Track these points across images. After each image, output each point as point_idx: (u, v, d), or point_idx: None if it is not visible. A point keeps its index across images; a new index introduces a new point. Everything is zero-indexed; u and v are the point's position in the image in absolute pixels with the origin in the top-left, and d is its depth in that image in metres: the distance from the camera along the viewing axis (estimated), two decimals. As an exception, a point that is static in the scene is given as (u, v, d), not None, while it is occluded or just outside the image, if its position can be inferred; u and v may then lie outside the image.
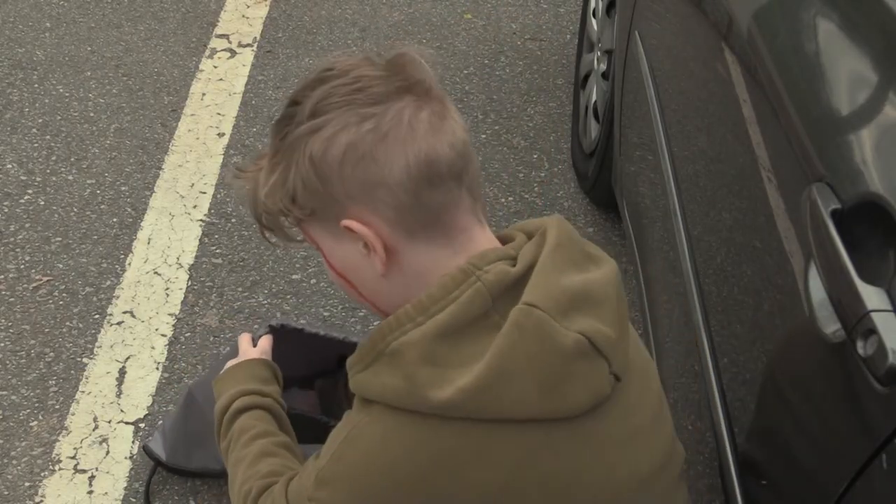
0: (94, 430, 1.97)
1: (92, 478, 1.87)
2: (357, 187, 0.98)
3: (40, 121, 2.86)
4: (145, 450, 1.84)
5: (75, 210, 2.53)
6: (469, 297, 0.96)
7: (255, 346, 1.53)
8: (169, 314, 2.23)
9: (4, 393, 2.03)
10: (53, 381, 2.06)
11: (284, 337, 1.58)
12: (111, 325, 2.20)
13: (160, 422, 1.97)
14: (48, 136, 2.79)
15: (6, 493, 1.84)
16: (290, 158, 1.00)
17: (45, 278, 2.31)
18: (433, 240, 1.01)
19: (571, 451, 0.97)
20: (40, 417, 1.98)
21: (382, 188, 0.97)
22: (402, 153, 0.97)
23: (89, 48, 3.21)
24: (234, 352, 1.60)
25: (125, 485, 1.86)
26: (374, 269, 1.02)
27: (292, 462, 1.31)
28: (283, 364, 1.49)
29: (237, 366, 1.47)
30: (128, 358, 2.12)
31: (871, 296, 0.90)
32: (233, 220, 2.52)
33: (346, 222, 1.00)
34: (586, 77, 2.77)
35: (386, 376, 0.97)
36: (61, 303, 2.25)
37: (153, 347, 2.15)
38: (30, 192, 2.58)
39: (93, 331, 2.18)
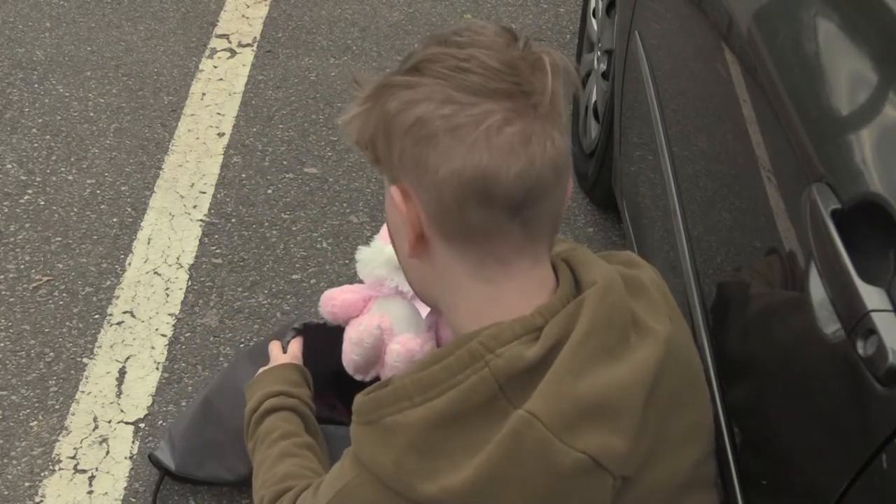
0: (94, 430, 1.97)
1: (92, 478, 1.87)
2: (410, 164, 0.91)
3: (40, 121, 2.86)
4: (151, 459, 1.83)
5: (75, 210, 2.53)
6: (471, 384, 0.88)
7: (284, 352, 1.55)
8: (169, 314, 2.23)
9: (4, 393, 2.03)
10: (53, 381, 2.06)
11: (311, 334, 1.59)
12: (111, 325, 2.20)
13: (162, 423, 1.97)
14: (48, 136, 2.79)
15: (6, 493, 1.84)
16: (377, 102, 0.93)
17: (45, 278, 2.31)
18: (467, 254, 0.93)
19: None
20: (40, 417, 1.98)
21: (430, 179, 0.90)
22: (460, 155, 0.88)
23: (89, 48, 3.21)
24: (253, 353, 1.61)
25: (125, 485, 1.86)
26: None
27: (313, 462, 1.31)
28: (316, 360, 1.51)
29: (268, 371, 1.48)
30: (128, 358, 2.12)
31: (871, 296, 0.90)
32: (233, 220, 2.52)
33: (393, 189, 0.94)
34: (586, 77, 2.77)
35: (379, 450, 0.92)
36: (61, 303, 2.25)
37: (153, 347, 2.15)
38: (30, 192, 2.58)
39: (93, 331, 2.18)
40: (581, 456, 0.87)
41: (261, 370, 1.51)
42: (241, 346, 2.15)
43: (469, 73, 0.88)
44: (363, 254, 1.53)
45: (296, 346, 1.56)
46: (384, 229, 1.49)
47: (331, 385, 1.65)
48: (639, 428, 0.91)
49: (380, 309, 1.51)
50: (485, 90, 0.88)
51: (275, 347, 1.56)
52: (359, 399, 0.96)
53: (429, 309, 1.42)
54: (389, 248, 1.49)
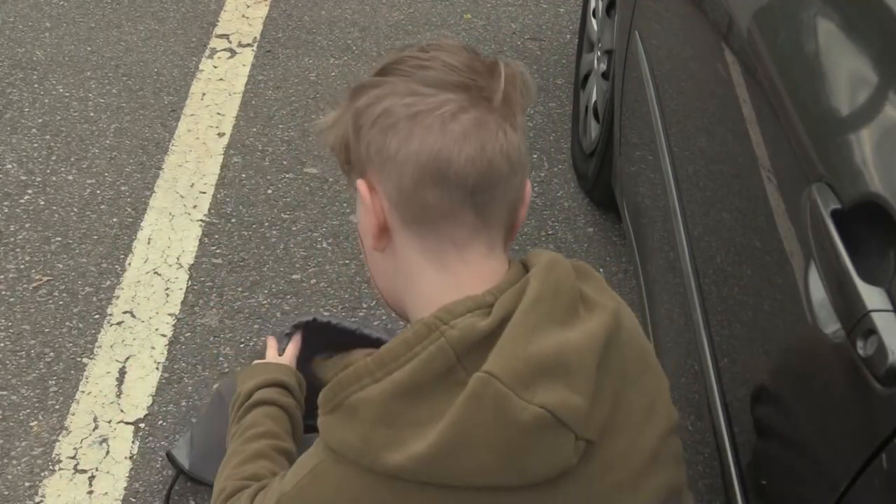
0: (94, 430, 1.97)
1: (92, 478, 1.87)
2: (375, 151, 0.98)
3: (40, 121, 2.86)
4: (168, 456, 1.83)
5: (75, 210, 2.53)
6: (430, 354, 0.92)
7: (280, 353, 1.54)
8: (169, 314, 2.23)
9: (4, 393, 2.03)
10: (53, 381, 2.06)
11: (314, 332, 1.57)
12: (111, 325, 2.20)
13: (162, 423, 1.97)
14: (48, 136, 2.79)
15: (6, 493, 1.84)
16: (350, 104, 1.02)
17: (45, 278, 2.31)
18: (424, 240, 0.99)
19: None
20: (40, 417, 1.98)
21: (392, 163, 0.97)
22: (419, 139, 0.95)
23: (89, 48, 3.21)
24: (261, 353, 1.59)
25: (125, 485, 1.86)
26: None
27: (285, 469, 1.31)
28: (310, 360, 1.49)
29: (265, 363, 1.47)
30: (128, 358, 2.12)
31: (871, 296, 0.90)
32: (233, 220, 2.52)
33: (360, 182, 1.00)
34: (586, 77, 2.77)
35: (345, 430, 0.94)
36: (61, 303, 2.25)
37: (153, 347, 2.15)
38: (30, 192, 2.58)
39: (93, 331, 2.18)
40: (540, 410, 0.90)
41: (256, 362, 1.50)
42: (242, 345, 2.15)
43: (429, 69, 0.97)
44: None
45: (292, 349, 1.55)
46: None
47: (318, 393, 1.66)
48: (594, 389, 0.94)
49: None
50: (443, 83, 0.96)
51: (271, 346, 1.55)
52: (323, 391, 0.98)
53: None
54: None
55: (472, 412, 0.89)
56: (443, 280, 0.99)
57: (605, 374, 0.96)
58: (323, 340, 1.58)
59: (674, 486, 1.06)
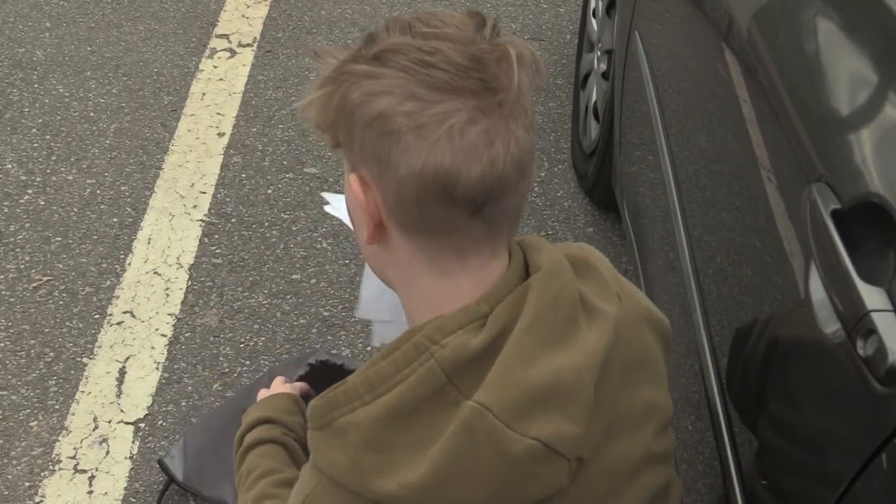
0: (94, 430, 1.97)
1: (92, 478, 1.87)
2: (371, 156, 0.89)
3: (40, 121, 2.86)
4: (160, 465, 1.83)
5: (75, 210, 2.53)
6: (419, 377, 0.88)
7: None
8: (169, 314, 2.23)
9: (4, 393, 2.03)
10: (53, 381, 2.06)
11: (326, 373, 1.57)
12: (111, 325, 2.20)
13: (162, 423, 1.97)
14: (48, 136, 2.79)
15: (6, 493, 1.84)
16: (338, 88, 0.91)
17: (45, 278, 2.31)
18: (425, 246, 0.92)
19: None
20: (40, 417, 1.98)
21: (391, 174, 0.88)
22: (421, 154, 0.86)
23: (89, 48, 3.21)
24: (273, 377, 1.60)
25: (125, 485, 1.86)
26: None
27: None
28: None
29: (261, 400, 1.46)
30: (128, 358, 2.12)
31: (871, 296, 0.90)
32: (233, 220, 2.52)
33: (352, 177, 0.92)
34: (586, 77, 2.77)
35: (334, 451, 0.91)
36: (61, 303, 2.25)
37: (153, 347, 2.15)
38: (30, 192, 2.58)
39: (93, 331, 2.18)
40: (533, 443, 0.87)
41: (259, 399, 1.49)
42: (241, 345, 2.15)
43: (433, 68, 0.86)
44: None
45: (305, 381, 1.53)
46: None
47: None
48: (592, 411, 0.91)
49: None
50: (449, 87, 0.86)
51: (277, 381, 1.53)
52: (313, 404, 0.94)
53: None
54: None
55: (464, 444, 0.86)
56: (441, 285, 0.94)
57: (603, 388, 0.93)
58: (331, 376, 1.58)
59: (661, 484, 1.06)
